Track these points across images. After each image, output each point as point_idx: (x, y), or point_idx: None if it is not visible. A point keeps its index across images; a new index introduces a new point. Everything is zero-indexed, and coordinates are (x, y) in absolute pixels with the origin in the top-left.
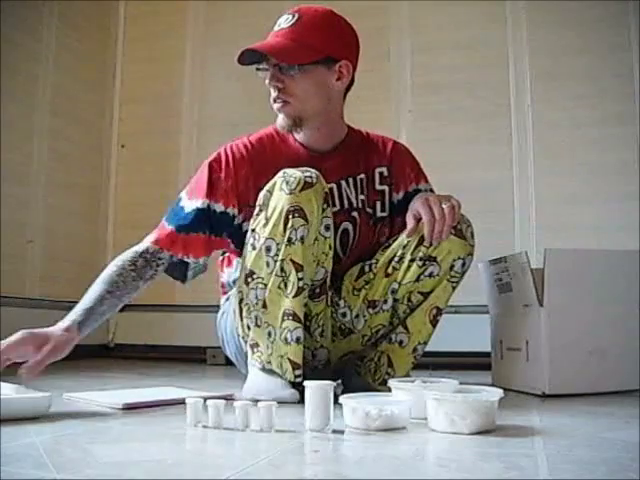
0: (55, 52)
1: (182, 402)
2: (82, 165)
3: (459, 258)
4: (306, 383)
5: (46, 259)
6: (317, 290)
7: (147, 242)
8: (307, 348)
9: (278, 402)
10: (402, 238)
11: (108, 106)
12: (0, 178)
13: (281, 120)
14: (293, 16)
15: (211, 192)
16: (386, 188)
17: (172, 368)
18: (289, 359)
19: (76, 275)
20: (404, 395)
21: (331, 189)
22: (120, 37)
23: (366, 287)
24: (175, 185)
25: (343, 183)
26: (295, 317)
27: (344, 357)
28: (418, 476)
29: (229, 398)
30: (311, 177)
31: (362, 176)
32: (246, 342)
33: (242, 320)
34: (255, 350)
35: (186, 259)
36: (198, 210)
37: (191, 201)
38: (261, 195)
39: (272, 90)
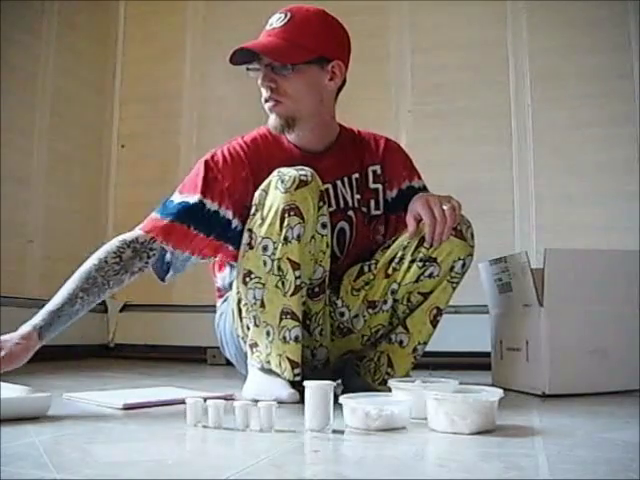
0: (55, 52)
1: (182, 402)
2: (82, 165)
3: (459, 259)
4: (306, 383)
5: (46, 259)
6: (316, 289)
7: (137, 231)
8: (306, 347)
9: (278, 402)
10: (402, 239)
11: (108, 106)
12: (0, 178)
13: (273, 121)
14: (285, 15)
15: (206, 190)
16: (380, 186)
17: (172, 368)
18: (288, 358)
19: None
20: (404, 395)
21: (327, 189)
22: (120, 37)
23: (366, 288)
24: (175, 185)
25: (339, 183)
26: (293, 316)
27: (343, 356)
28: (418, 476)
29: (229, 398)
30: (306, 175)
31: (357, 175)
32: (245, 342)
33: (241, 320)
34: (254, 350)
35: (176, 252)
36: (191, 205)
37: (184, 196)
38: (257, 194)
39: (264, 90)
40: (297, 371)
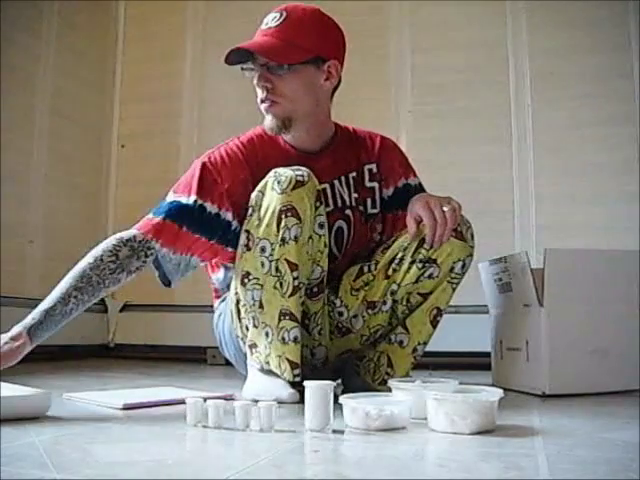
0: (55, 52)
1: (182, 402)
2: (82, 165)
3: (459, 260)
4: (306, 383)
5: (46, 259)
6: (315, 289)
7: (133, 230)
8: (305, 346)
9: (278, 402)
10: (402, 240)
11: (108, 106)
12: (0, 178)
13: (269, 122)
14: (281, 14)
15: (206, 193)
16: (376, 185)
17: (172, 368)
18: (287, 359)
19: None
20: (404, 395)
21: (324, 189)
22: (120, 37)
23: (365, 288)
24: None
25: (336, 183)
26: (292, 316)
27: (342, 355)
28: (418, 476)
29: (229, 398)
30: (302, 175)
31: (353, 174)
32: (245, 343)
33: (240, 321)
34: (254, 351)
35: (163, 250)
36: (183, 205)
37: (177, 196)
38: (253, 195)
39: (260, 91)
40: (297, 372)
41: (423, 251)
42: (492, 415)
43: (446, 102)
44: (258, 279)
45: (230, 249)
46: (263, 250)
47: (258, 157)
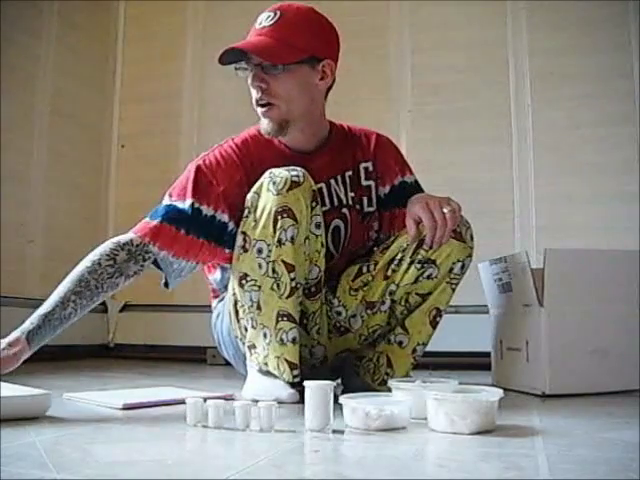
0: (55, 52)
1: (182, 402)
2: (82, 165)
3: (458, 261)
4: (306, 383)
5: (46, 259)
6: (312, 289)
7: (131, 234)
8: (304, 346)
9: (278, 402)
10: (401, 240)
11: (108, 106)
12: (0, 178)
13: (266, 125)
14: (275, 14)
15: (202, 196)
16: (372, 183)
17: (172, 368)
18: (286, 360)
19: None
20: (404, 395)
21: (320, 189)
22: (120, 37)
23: (364, 288)
24: None
25: (332, 182)
26: (290, 317)
27: (341, 354)
28: (418, 476)
29: (229, 398)
30: (298, 176)
31: (350, 173)
32: (244, 343)
33: (238, 322)
34: (253, 352)
35: (161, 254)
36: (180, 209)
37: (173, 200)
38: (249, 196)
39: (255, 91)
40: (296, 372)
41: (422, 252)
42: (492, 415)
43: (446, 102)
44: (256, 280)
45: (227, 250)
46: (260, 251)
47: (253, 158)
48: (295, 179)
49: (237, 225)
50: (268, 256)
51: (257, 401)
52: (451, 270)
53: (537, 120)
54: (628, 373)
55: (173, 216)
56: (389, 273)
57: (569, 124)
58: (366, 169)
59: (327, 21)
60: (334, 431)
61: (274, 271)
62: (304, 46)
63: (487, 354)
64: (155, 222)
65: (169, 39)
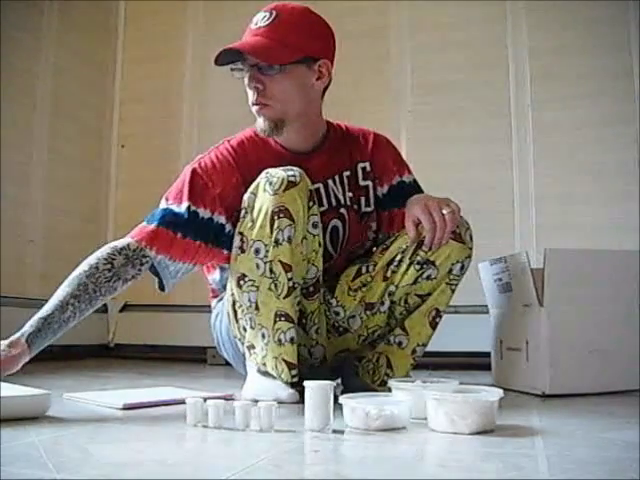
0: (55, 52)
1: (182, 402)
2: (82, 165)
3: (458, 262)
4: (306, 383)
5: (46, 259)
6: (311, 289)
7: (128, 238)
8: (303, 346)
9: (278, 402)
10: (400, 242)
11: (108, 106)
12: (0, 178)
13: (261, 124)
14: (270, 14)
15: (198, 199)
16: (370, 183)
17: (172, 368)
18: (284, 360)
19: None
20: (404, 395)
21: (318, 189)
22: (120, 37)
23: (363, 289)
24: None
25: (330, 182)
26: (288, 317)
27: (340, 354)
28: (418, 476)
29: (229, 398)
30: (294, 176)
31: (347, 173)
32: (243, 344)
33: (237, 322)
34: (252, 352)
35: (158, 257)
36: (176, 212)
37: (169, 203)
38: (245, 197)
39: (251, 92)
40: (294, 372)
41: (421, 253)
42: (492, 415)
43: (446, 102)
44: (254, 281)
45: (226, 252)
46: (257, 252)
47: (249, 159)
48: (292, 179)
49: (234, 226)
50: (265, 256)
51: (257, 401)
52: (450, 271)
53: (537, 120)
54: (628, 373)
55: (170, 220)
56: (388, 274)
57: (569, 124)
58: (364, 169)
59: (322, 20)
60: (334, 431)
61: (271, 271)
62: (300, 46)
63: (487, 354)
64: (152, 226)
65: (169, 39)
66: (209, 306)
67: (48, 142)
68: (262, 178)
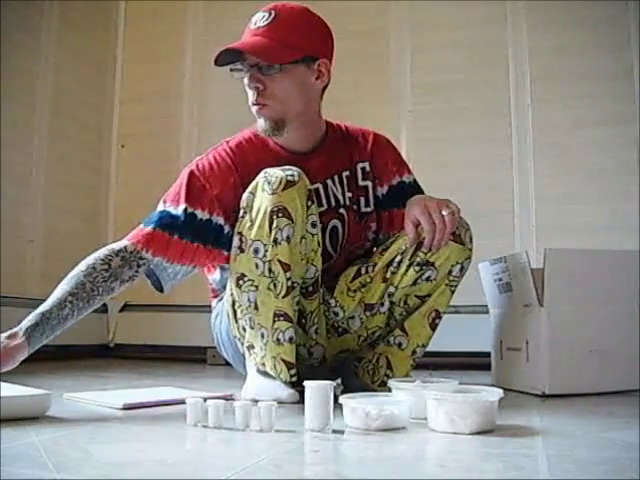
0: (55, 52)
1: (182, 402)
2: (82, 165)
3: (457, 263)
4: (306, 383)
5: (46, 259)
6: (310, 288)
7: (125, 241)
8: (303, 345)
9: (278, 402)
10: (400, 243)
11: (108, 106)
12: (0, 178)
13: (262, 124)
14: (269, 14)
15: (195, 200)
16: (369, 183)
17: (172, 368)
18: (283, 359)
19: None
20: (404, 395)
21: (317, 189)
22: (120, 37)
23: (362, 290)
24: None
25: (329, 182)
26: (286, 317)
27: (340, 354)
28: (418, 476)
29: (229, 398)
30: (293, 175)
31: (347, 173)
32: (242, 344)
33: (237, 322)
34: (251, 352)
35: (155, 260)
36: (173, 214)
37: (167, 206)
38: (244, 197)
39: (251, 92)
40: (293, 372)
41: (421, 254)
42: (492, 415)
43: (446, 102)
44: (253, 280)
45: (226, 252)
46: (256, 252)
47: (248, 161)
48: (290, 178)
49: (233, 227)
50: (264, 256)
51: (257, 401)
52: (450, 272)
53: (537, 120)
54: (628, 373)
55: (166, 222)
56: (388, 275)
57: (569, 124)
58: (363, 169)
59: (321, 20)
60: (334, 431)
61: (270, 271)
62: (300, 45)
63: (487, 354)
64: (148, 229)
65: (169, 39)
66: (209, 306)
67: (48, 142)
68: (261, 178)
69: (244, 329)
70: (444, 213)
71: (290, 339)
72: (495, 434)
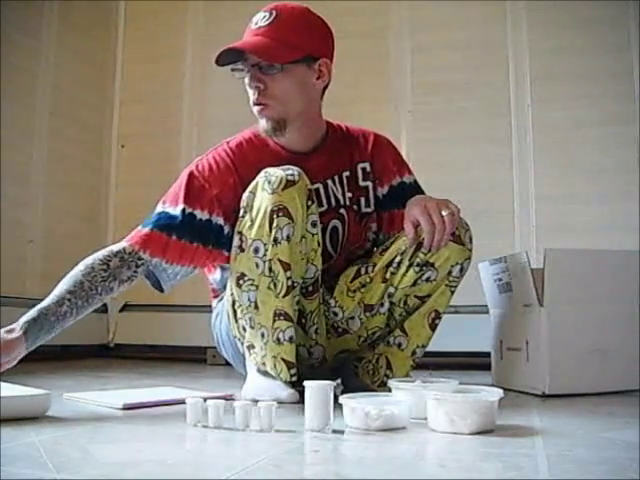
0: (55, 52)
1: (182, 402)
2: (82, 165)
3: (457, 264)
4: (306, 383)
5: (46, 259)
6: (310, 288)
7: (123, 242)
8: (303, 345)
9: (278, 402)
10: (400, 243)
11: (108, 106)
12: (0, 178)
13: (264, 124)
14: (270, 14)
15: (195, 201)
16: (369, 184)
17: (172, 368)
18: (283, 359)
19: None
20: (404, 395)
21: (317, 189)
22: (120, 37)
23: (362, 290)
24: None
25: (329, 182)
26: (286, 316)
27: (340, 354)
28: (418, 476)
29: (229, 398)
30: (293, 175)
31: (347, 173)
32: (242, 343)
33: (237, 322)
34: (251, 352)
35: (154, 261)
36: (172, 215)
37: (165, 206)
38: (244, 196)
39: (252, 92)
40: (293, 371)
41: (421, 254)
42: (492, 415)
43: (446, 102)
44: (253, 280)
45: (226, 252)
46: (257, 251)
47: (248, 161)
48: (290, 178)
49: (233, 228)
50: (264, 255)
51: (257, 401)
52: (450, 273)
53: (537, 120)
54: (628, 373)
55: (164, 223)
56: (388, 275)
57: (569, 124)
58: (364, 170)
59: (321, 20)
60: (334, 431)
61: (271, 270)
62: (301, 45)
63: (487, 354)
64: (146, 230)
65: (169, 39)
66: (209, 306)
67: (48, 142)
68: (261, 177)
69: (244, 329)
70: (444, 213)
71: (290, 338)
72: (495, 434)
